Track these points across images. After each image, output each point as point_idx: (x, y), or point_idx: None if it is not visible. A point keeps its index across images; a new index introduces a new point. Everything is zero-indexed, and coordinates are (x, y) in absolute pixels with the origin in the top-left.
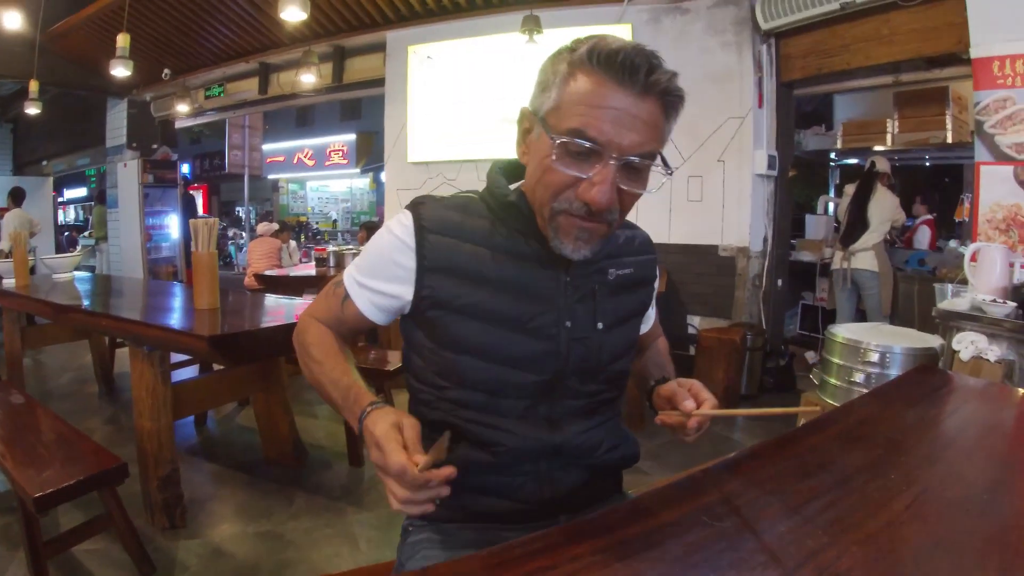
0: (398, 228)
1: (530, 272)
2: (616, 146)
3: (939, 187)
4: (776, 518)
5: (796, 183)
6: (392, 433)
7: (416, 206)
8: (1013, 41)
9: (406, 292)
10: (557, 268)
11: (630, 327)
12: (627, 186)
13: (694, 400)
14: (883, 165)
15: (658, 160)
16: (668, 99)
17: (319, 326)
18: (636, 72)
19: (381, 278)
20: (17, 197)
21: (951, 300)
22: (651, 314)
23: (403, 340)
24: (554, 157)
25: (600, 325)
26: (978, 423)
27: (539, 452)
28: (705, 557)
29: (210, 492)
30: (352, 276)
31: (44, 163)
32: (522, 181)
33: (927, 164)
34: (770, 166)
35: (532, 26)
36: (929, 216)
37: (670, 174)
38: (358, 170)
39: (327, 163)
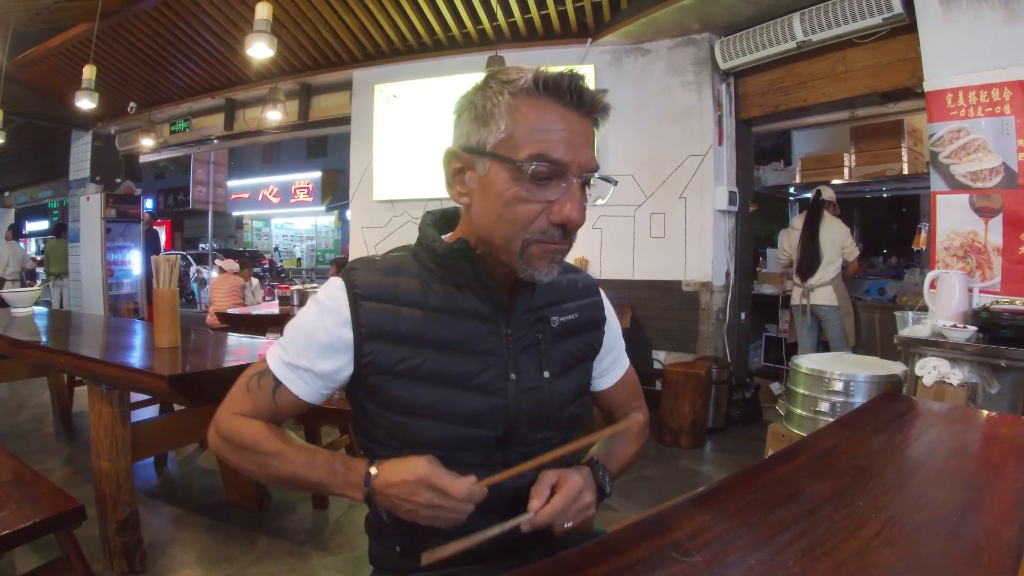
0: (329, 300)
1: (470, 328)
2: (578, 164)
3: (897, 217)
4: (746, 551)
5: (756, 217)
6: (438, 470)
7: (348, 272)
8: (965, 73)
9: (346, 364)
10: (497, 321)
11: (579, 372)
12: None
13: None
14: (828, 193)
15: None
16: (601, 116)
17: (252, 422)
18: (582, 95)
19: (317, 355)
20: (16, 230)
21: (912, 327)
22: (615, 371)
23: (349, 404)
24: (524, 186)
25: (547, 374)
26: (944, 447)
27: (501, 499)
28: None
29: (170, 536)
30: (280, 360)
31: (6, 194)
32: (453, 231)
33: (884, 196)
34: (731, 202)
35: (497, 67)
36: None
37: (615, 183)
38: (323, 208)
39: (292, 200)
